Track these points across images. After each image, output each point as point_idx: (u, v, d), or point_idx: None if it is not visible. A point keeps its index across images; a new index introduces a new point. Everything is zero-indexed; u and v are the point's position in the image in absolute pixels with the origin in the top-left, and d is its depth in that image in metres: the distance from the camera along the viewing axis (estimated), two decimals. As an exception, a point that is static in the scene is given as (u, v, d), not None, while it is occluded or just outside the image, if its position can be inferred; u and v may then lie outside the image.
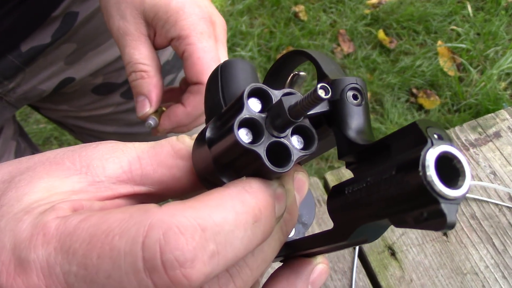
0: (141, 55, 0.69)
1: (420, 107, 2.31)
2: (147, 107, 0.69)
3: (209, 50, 0.67)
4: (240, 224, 0.29)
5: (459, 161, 0.27)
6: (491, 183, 0.70)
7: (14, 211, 0.31)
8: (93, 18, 0.89)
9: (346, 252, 0.67)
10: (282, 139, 0.32)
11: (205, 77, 0.67)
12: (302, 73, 0.41)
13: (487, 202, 0.69)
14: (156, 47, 0.71)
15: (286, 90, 0.33)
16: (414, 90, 2.35)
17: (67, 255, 0.28)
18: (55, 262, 0.28)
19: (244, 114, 0.31)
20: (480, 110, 2.22)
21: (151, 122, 0.71)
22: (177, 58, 1.03)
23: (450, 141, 0.27)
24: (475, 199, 0.69)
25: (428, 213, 0.26)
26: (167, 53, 1.02)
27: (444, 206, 0.25)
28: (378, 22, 2.64)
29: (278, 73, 0.44)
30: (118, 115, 1.04)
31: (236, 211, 0.29)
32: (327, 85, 0.28)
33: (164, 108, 0.73)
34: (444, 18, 2.59)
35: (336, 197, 0.33)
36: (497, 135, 0.75)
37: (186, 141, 0.37)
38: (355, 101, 0.34)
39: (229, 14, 2.74)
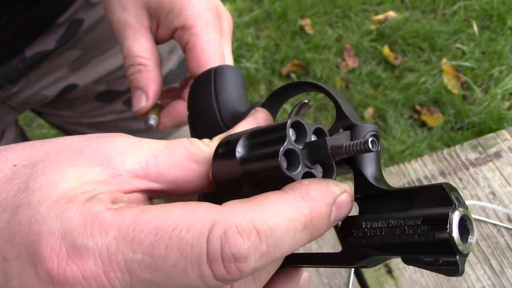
0: (140, 48, 0.66)
1: (423, 124, 2.30)
2: (143, 102, 0.67)
3: (213, 43, 0.64)
4: (290, 230, 0.32)
5: (471, 223, 0.32)
6: (490, 203, 0.69)
7: (53, 198, 0.32)
8: (98, 25, 0.89)
9: (342, 268, 0.67)
10: (312, 170, 0.36)
11: None
12: (310, 103, 0.45)
13: (486, 222, 0.68)
14: (159, 41, 0.69)
15: (317, 125, 0.38)
16: (418, 107, 2.35)
17: (131, 244, 0.30)
18: (117, 250, 0.30)
19: (288, 145, 0.35)
20: (483, 129, 2.21)
21: (152, 122, 0.68)
22: (180, 68, 1.03)
23: (465, 204, 0.32)
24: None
25: (443, 261, 0.31)
26: (171, 63, 1.02)
27: (458, 258, 0.30)
28: (384, 38, 2.65)
29: (283, 95, 0.47)
30: (120, 122, 1.05)
31: (289, 218, 0.32)
32: (375, 139, 0.33)
33: (159, 102, 0.71)
34: (450, 36, 2.59)
35: (351, 227, 0.37)
36: (498, 155, 0.74)
37: (200, 146, 0.40)
38: (373, 148, 0.37)
39: (235, 25, 2.75)
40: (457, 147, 0.76)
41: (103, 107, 1.02)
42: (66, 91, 0.95)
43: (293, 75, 2.54)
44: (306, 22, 2.76)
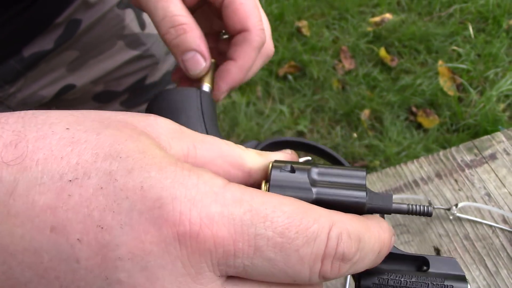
0: (176, 7, 0.59)
1: (419, 126, 2.31)
2: (202, 62, 0.60)
3: None
4: (372, 249, 0.35)
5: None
6: (485, 204, 0.70)
7: (157, 164, 0.31)
8: (96, 26, 0.90)
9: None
10: None
11: (249, 23, 0.60)
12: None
13: (481, 223, 0.69)
14: (187, 6, 0.62)
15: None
16: (414, 109, 2.36)
17: (264, 220, 0.31)
18: (251, 223, 0.30)
19: (366, 189, 0.40)
20: (478, 131, 2.22)
21: (207, 90, 0.62)
22: None
23: None
24: (469, 220, 0.69)
25: None
26: (169, 63, 1.02)
27: None
28: (380, 40, 2.66)
29: (284, 146, 0.51)
30: None
31: (374, 239, 0.35)
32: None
33: (213, 60, 0.65)
34: (446, 38, 2.60)
35: (373, 273, 0.40)
36: (493, 157, 0.75)
37: (237, 150, 0.40)
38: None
39: (232, 26, 2.76)
40: (453, 149, 0.77)
41: (100, 108, 1.02)
42: (63, 92, 0.95)
43: (290, 77, 2.55)
44: (303, 24, 2.77)
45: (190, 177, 0.31)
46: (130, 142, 0.32)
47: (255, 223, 0.31)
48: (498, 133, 0.77)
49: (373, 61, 2.58)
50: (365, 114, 2.36)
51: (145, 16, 0.97)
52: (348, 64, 2.58)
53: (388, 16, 2.75)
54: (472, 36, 2.58)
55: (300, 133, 2.37)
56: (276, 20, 2.80)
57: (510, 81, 2.33)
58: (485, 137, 0.78)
